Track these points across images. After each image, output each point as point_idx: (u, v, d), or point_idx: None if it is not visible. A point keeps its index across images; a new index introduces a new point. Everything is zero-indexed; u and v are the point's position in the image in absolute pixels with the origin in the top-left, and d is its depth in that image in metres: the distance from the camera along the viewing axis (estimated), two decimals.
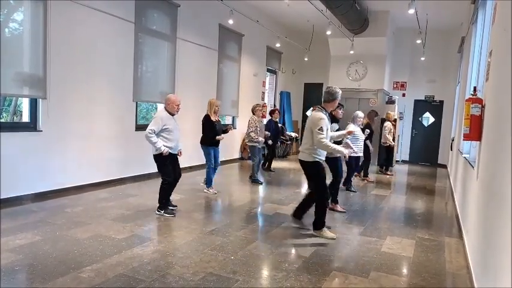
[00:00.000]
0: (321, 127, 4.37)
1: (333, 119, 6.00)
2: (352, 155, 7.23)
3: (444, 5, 9.65)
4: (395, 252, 4.24)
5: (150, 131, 4.87)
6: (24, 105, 5.85)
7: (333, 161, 5.90)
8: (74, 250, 3.77)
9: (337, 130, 5.82)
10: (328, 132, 4.58)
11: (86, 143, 6.35)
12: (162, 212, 5.14)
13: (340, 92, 4.68)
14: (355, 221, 5.43)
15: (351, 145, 6.84)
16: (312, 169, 4.60)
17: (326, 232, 4.61)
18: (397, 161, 12.65)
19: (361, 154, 7.44)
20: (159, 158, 5.01)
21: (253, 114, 7.96)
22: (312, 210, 4.77)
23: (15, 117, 7.67)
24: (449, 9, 10.02)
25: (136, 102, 7.40)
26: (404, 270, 3.80)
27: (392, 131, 9.82)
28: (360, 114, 7.40)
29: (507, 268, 2.08)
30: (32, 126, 5.62)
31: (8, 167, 5.22)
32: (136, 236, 4.32)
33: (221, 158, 9.90)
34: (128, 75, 7.07)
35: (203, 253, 3.88)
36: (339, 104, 6.00)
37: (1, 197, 5.16)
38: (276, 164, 10.28)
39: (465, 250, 4.26)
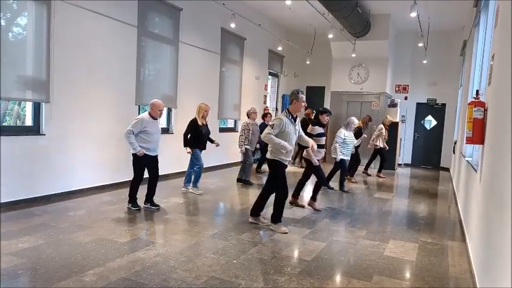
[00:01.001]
0: (273, 124, 4.75)
1: (318, 123, 6.18)
2: (343, 157, 7.38)
3: (446, 8, 9.66)
4: (398, 256, 4.22)
5: (128, 131, 5.23)
6: (27, 109, 5.88)
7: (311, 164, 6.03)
8: (76, 254, 3.77)
9: (320, 134, 6.11)
10: (287, 133, 4.78)
11: (89, 146, 6.37)
12: (130, 205, 5.52)
13: (301, 93, 4.90)
14: (357, 224, 5.42)
15: (338, 150, 7.22)
16: (270, 166, 4.93)
17: (281, 227, 4.89)
18: (399, 164, 12.63)
19: (349, 158, 7.66)
20: (134, 156, 5.37)
21: (248, 117, 8.08)
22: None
23: (18, 121, 7.70)
24: (450, 12, 10.03)
25: (139, 106, 7.42)
26: (407, 274, 3.78)
27: (384, 134, 9.81)
28: (355, 121, 7.69)
29: (507, 268, 2.08)
30: (35, 129, 5.64)
31: (11, 171, 5.24)
32: (139, 239, 4.32)
33: (222, 162, 10.01)
34: (130, 78, 7.09)
35: (205, 257, 3.88)
36: (327, 110, 6.33)
37: (4, 201, 5.17)
38: None
39: (468, 254, 4.24)
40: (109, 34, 6.56)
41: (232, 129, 10.83)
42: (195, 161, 6.70)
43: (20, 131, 5.84)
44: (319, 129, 6.14)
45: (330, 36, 10.18)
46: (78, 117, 6.15)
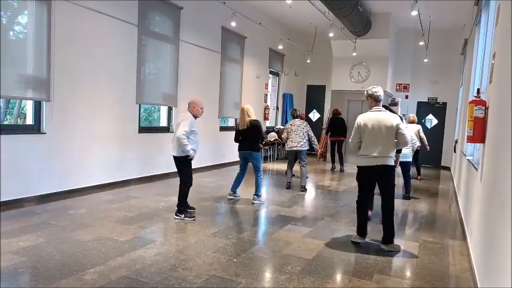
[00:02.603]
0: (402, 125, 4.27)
1: None
2: (404, 159, 6.75)
3: (447, 7, 9.64)
4: (399, 255, 4.22)
5: (183, 133, 4.93)
6: (28, 107, 5.88)
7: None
8: (77, 252, 3.78)
9: None
10: None
11: (90, 145, 6.37)
12: (182, 216, 5.10)
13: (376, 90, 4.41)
14: None
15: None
16: (390, 174, 4.36)
17: (394, 245, 4.38)
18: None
19: (410, 159, 7.12)
20: (185, 159, 5.07)
21: (300, 119, 7.77)
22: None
23: (19, 120, 7.72)
24: (451, 10, 10.00)
25: (140, 105, 7.41)
26: (408, 273, 3.78)
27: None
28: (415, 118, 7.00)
29: (508, 267, 2.07)
30: (35, 128, 5.64)
31: (12, 169, 5.23)
32: (140, 238, 4.32)
33: (224, 160, 10.01)
34: (131, 77, 7.09)
35: (206, 255, 3.88)
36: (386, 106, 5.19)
37: (5, 199, 5.17)
38: (278, 165, 10.27)
39: (469, 252, 4.24)
40: (109, 33, 6.56)
41: (233, 128, 10.82)
42: (259, 166, 6.35)
43: (20, 129, 5.84)
44: None
45: (331, 34, 10.16)
46: (79, 116, 6.14)
